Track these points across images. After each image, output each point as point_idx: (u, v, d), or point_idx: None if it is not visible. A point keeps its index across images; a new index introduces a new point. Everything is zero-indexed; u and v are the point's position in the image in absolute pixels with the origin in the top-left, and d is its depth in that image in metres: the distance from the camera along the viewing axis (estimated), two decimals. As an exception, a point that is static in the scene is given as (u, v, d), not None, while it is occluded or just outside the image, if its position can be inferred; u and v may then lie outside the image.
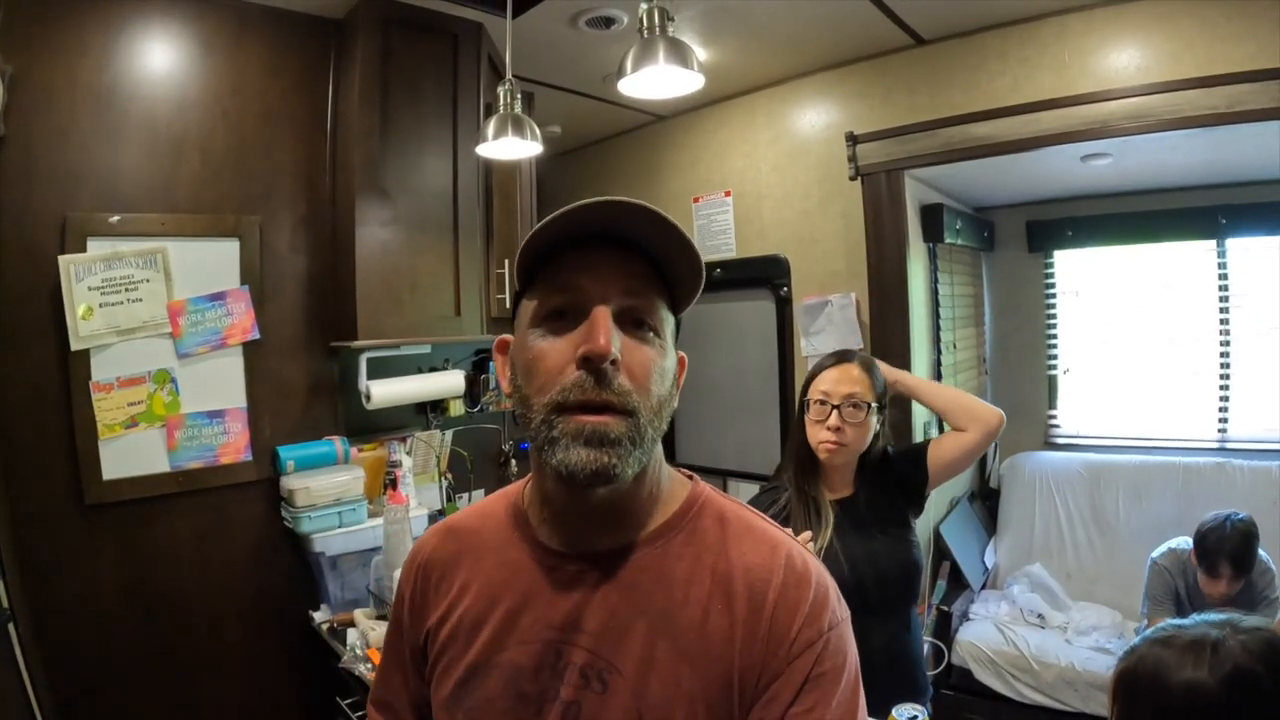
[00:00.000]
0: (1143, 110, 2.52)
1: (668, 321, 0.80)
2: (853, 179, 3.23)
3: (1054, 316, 4.04)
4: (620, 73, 1.80)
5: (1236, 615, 0.99)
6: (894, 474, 1.89)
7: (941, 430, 3.45)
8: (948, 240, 3.47)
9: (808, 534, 1.62)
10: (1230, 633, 0.94)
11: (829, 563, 1.72)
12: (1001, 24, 2.91)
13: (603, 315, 0.72)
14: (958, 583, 3.45)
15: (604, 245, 0.76)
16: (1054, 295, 4.03)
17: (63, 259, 2.28)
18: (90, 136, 2.35)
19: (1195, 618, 1.02)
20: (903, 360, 3.15)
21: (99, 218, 2.35)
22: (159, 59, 2.47)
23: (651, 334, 0.77)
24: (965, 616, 3.31)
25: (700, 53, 3.12)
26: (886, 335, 3.20)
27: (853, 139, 3.20)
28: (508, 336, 0.86)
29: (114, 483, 2.37)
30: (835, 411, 1.77)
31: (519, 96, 2.28)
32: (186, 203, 2.48)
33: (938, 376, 3.48)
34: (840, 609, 0.79)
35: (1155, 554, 2.85)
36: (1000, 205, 4.09)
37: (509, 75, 2.30)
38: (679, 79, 1.80)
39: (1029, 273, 4.10)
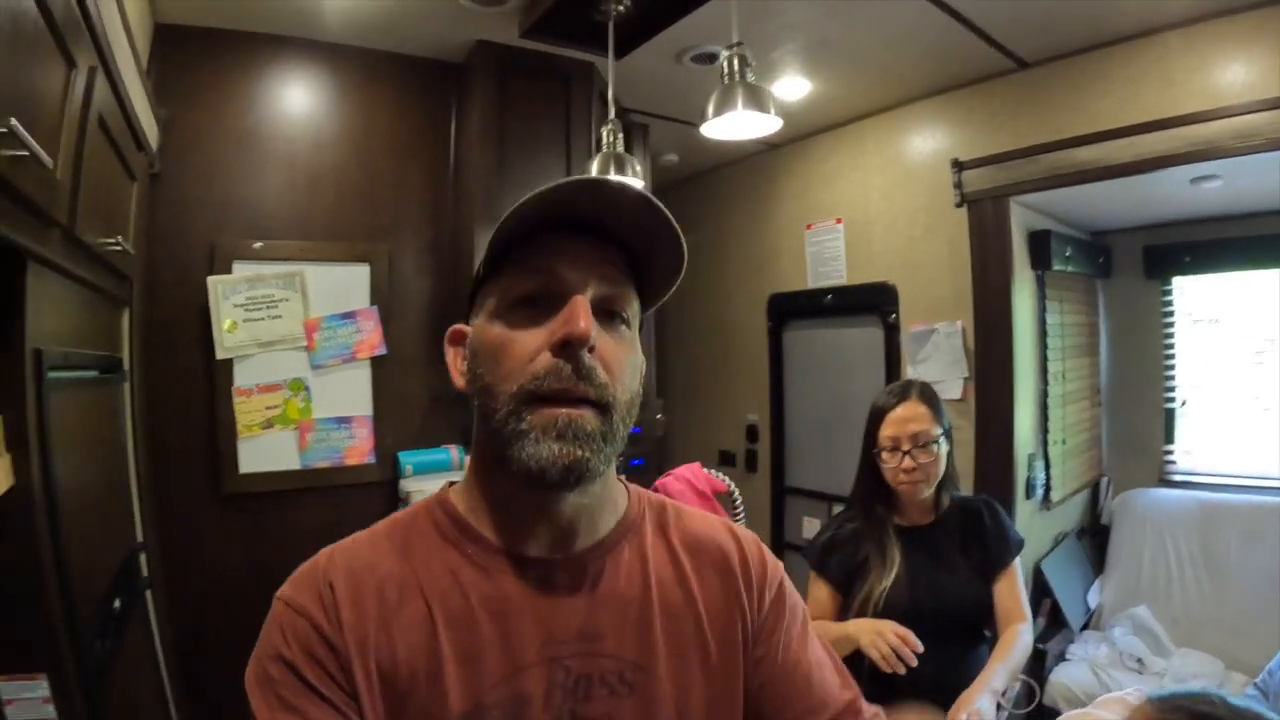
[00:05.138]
0: (1251, 129, 2.40)
1: (638, 316, 0.77)
2: (958, 206, 3.22)
3: (1171, 346, 3.86)
4: (703, 117, 1.93)
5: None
6: (985, 535, 1.89)
7: (1047, 491, 3.39)
8: (1056, 267, 3.38)
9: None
10: None
11: (894, 586, 1.77)
12: (1103, 44, 2.83)
13: (582, 300, 0.68)
14: (1057, 621, 3.36)
15: (578, 232, 0.72)
16: (1171, 323, 3.86)
17: (211, 279, 2.60)
18: (236, 172, 2.66)
19: (1226, 696, 0.93)
20: (1006, 390, 3.12)
21: (244, 244, 2.66)
22: (297, 102, 2.77)
23: (624, 326, 0.74)
24: (1061, 657, 3.21)
25: (805, 84, 3.24)
26: (990, 364, 3.17)
27: (958, 165, 3.19)
28: (462, 326, 0.80)
29: (249, 476, 2.68)
30: (906, 456, 1.80)
31: (621, 135, 2.44)
32: (322, 231, 2.77)
33: (1044, 408, 3.40)
34: None
35: None
36: (1116, 230, 3.93)
37: (612, 115, 2.45)
38: (757, 122, 1.91)
39: (1146, 300, 3.92)
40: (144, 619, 2.24)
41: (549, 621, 0.72)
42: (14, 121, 1.05)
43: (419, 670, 0.68)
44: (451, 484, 0.82)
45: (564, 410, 0.67)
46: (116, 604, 1.84)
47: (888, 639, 1.61)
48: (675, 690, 0.74)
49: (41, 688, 1.33)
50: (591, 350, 0.68)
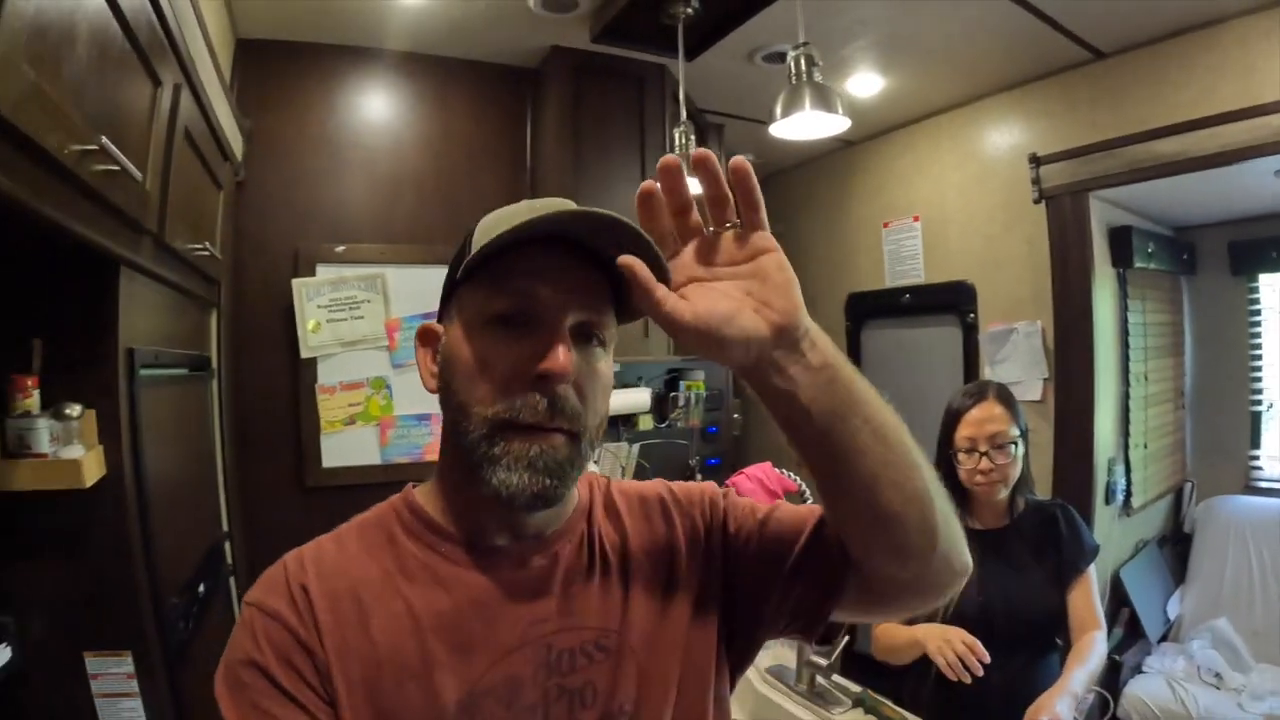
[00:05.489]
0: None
1: (614, 335, 0.77)
2: (1036, 202, 3.15)
3: (1259, 346, 3.69)
4: (771, 117, 1.93)
5: None
6: (1060, 540, 1.84)
7: (1128, 497, 3.28)
8: (1138, 264, 3.28)
9: None
10: None
11: (965, 590, 1.74)
12: (1181, 31, 2.72)
13: (563, 339, 0.68)
14: (1134, 632, 3.26)
15: (558, 246, 0.70)
16: (1259, 322, 3.69)
17: (295, 282, 2.69)
18: (318, 178, 2.75)
19: None
20: (1086, 391, 3.05)
21: (326, 247, 2.75)
22: (376, 109, 2.85)
23: (600, 349, 0.74)
24: (1138, 669, 3.10)
25: (878, 80, 3.20)
26: (1070, 365, 3.10)
27: (1035, 161, 3.11)
28: (434, 326, 0.79)
29: (331, 470, 2.77)
30: (984, 458, 1.78)
31: (693, 136, 2.44)
32: (402, 234, 2.84)
33: (1125, 410, 3.31)
34: None
35: None
36: (1201, 225, 3.78)
37: (683, 116, 2.46)
38: (825, 123, 1.90)
39: (1232, 298, 3.77)
40: (226, 604, 2.34)
41: (528, 605, 0.74)
42: (105, 139, 1.11)
43: (405, 670, 0.69)
44: (414, 485, 0.83)
45: (536, 442, 0.68)
46: (201, 589, 1.94)
47: (955, 647, 1.59)
48: (637, 643, 0.77)
49: (126, 664, 1.43)
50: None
